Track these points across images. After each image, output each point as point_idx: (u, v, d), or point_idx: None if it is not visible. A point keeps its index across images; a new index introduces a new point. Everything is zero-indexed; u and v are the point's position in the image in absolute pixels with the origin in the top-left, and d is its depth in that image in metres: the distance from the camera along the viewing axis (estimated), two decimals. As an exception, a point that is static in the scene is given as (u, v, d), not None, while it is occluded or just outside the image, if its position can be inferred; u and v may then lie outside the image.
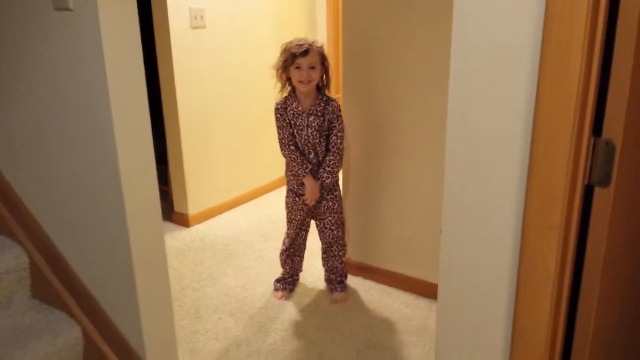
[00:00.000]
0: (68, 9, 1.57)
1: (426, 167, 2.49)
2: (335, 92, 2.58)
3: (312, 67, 2.34)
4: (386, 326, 2.42)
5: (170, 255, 3.06)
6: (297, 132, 2.43)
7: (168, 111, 3.35)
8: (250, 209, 3.83)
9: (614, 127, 1.01)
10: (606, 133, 1.02)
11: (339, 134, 2.43)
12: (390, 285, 2.74)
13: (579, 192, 1.04)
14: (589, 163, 1.04)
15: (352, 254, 2.83)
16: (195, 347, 2.30)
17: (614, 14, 0.96)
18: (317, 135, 2.42)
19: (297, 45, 2.34)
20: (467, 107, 1.11)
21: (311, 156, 2.45)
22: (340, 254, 2.64)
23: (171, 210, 3.58)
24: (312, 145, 2.43)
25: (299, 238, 2.66)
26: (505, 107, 1.05)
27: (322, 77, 2.42)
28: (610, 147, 1.02)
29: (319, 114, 2.40)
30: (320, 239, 2.65)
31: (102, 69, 1.56)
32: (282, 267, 2.73)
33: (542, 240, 1.07)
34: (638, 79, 0.99)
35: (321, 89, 2.44)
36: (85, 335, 1.89)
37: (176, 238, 3.36)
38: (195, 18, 3.27)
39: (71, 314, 1.91)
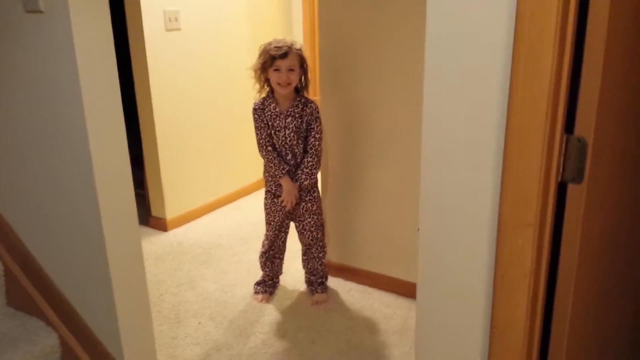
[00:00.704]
0: (39, 11, 1.55)
1: (404, 167, 2.50)
2: (312, 93, 2.58)
3: (291, 70, 2.34)
4: (367, 326, 2.43)
5: (148, 260, 3.04)
6: (275, 134, 2.43)
7: (143, 114, 3.32)
8: (229, 212, 3.82)
9: (586, 124, 1.02)
10: (578, 130, 1.03)
11: (317, 136, 2.43)
12: (371, 285, 2.75)
13: (553, 189, 1.06)
14: (561, 160, 1.05)
15: (333, 255, 2.83)
16: (175, 353, 2.28)
17: (584, 12, 0.97)
18: (295, 136, 2.41)
19: (276, 47, 2.33)
20: (441, 106, 1.11)
21: (289, 157, 2.45)
22: (320, 255, 2.64)
23: (149, 215, 3.55)
24: (289, 147, 2.43)
25: (278, 240, 2.66)
26: (478, 106, 1.06)
27: (300, 79, 2.42)
28: (582, 144, 1.03)
29: (297, 115, 2.40)
30: (300, 240, 2.65)
31: (74, 71, 1.54)
32: (262, 270, 2.72)
33: (517, 238, 1.08)
34: (609, 76, 1.01)
35: (300, 90, 2.44)
36: (63, 342, 1.87)
37: (154, 242, 3.33)
38: (170, 20, 3.25)
39: (48, 321, 1.88)
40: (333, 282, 2.80)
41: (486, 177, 1.09)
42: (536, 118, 1.00)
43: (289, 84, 2.34)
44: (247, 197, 4.06)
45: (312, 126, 2.42)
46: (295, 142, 2.42)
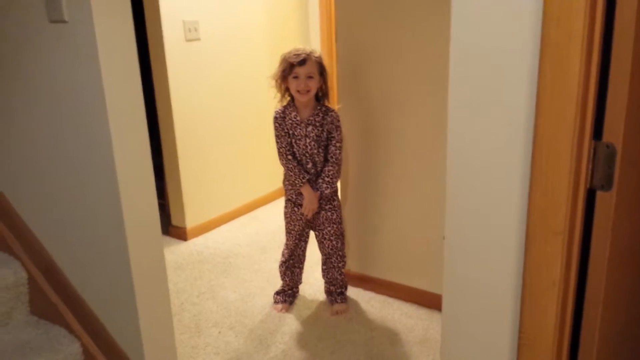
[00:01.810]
0: (63, 21, 1.57)
1: (425, 175, 2.48)
2: (332, 103, 2.58)
3: (310, 77, 2.35)
4: (388, 337, 2.41)
5: (168, 269, 3.04)
6: (295, 142, 2.43)
7: (164, 124, 3.34)
8: (248, 221, 3.82)
9: (614, 130, 1.01)
10: (606, 136, 1.02)
11: (337, 145, 2.43)
12: (391, 296, 2.73)
13: (582, 197, 1.04)
14: (590, 167, 1.03)
15: (352, 265, 2.82)
16: (195, 362, 2.28)
17: (611, 15, 0.96)
18: (316, 145, 2.42)
19: (295, 55, 2.35)
20: (468, 113, 1.10)
21: (309, 166, 2.45)
22: (340, 265, 2.63)
23: (169, 224, 3.57)
24: (310, 156, 2.43)
25: (298, 249, 2.65)
26: (505, 113, 1.05)
27: (320, 87, 2.42)
28: (610, 151, 1.02)
29: (318, 124, 2.40)
30: (320, 250, 2.64)
31: (98, 81, 1.56)
32: (282, 279, 2.72)
33: (546, 246, 1.06)
34: (637, 81, 0.99)
35: (320, 99, 2.45)
36: (85, 350, 1.87)
37: (174, 252, 3.34)
38: (190, 30, 3.28)
39: (70, 330, 1.89)
40: (353, 292, 2.78)
41: (514, 184, 1.07)
42: (564, 124, 0.99)
43: (308, 91, 2.35)
44: (266, 206, 4.07)
45: (333, 135, 2.42)
46: (315, 151, 2.42)
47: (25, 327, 1.92)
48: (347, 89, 2.63)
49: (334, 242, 2.58)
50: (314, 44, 4.22)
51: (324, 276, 2.70)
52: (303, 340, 2.41)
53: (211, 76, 3.49)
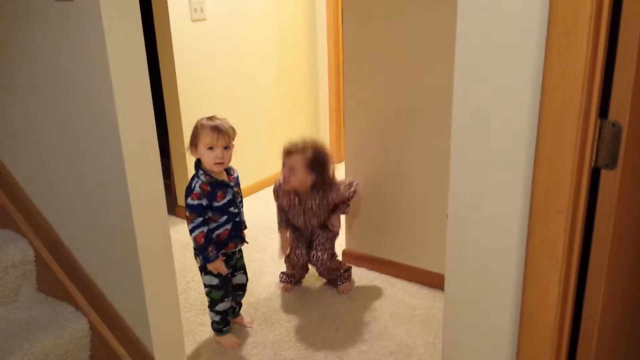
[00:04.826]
0: (69, 0, 1.56)
1: (429, 155, 2.48)
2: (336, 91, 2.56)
3: (291, 169, 2.43)
4: (391, 316, 2.43)
5: (174, 249, 3.04)
6: (292, 218, 2.53)
7: (169, 104, 3.34)
8: (253, 202, 3.83)
9: (620, 108, 1.01)
10: (612, 115, 1.02)
11: (346, 210, 2.59)
12: (394, 275, 2.75)
13: (586, 175, 1.04)
14: (595, 145, 1.03)
15: (356, 245, 2.84)
16: (201, 339, 2.31)
17: (620, -6, 0.95)
18: (315, 217, 2.51)
19: (287, 145, 2.46)
20: (473, 89, 1.10)
21: (308, 234, 2.57)
22: (337, 274, 2.65)
23: (175, 204, 3.58)
24: (309, 226, 2.55)
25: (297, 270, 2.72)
26: (511, 89, 1.05)
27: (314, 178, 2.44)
28: (616, 129, 1.01)
29: (317, 199, 2.48)
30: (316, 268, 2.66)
31: (104, 60, 1.55)
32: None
33: (549, 224, 1.07)
34: (645, 59, 0.99)
35: (317, 187, 2.47)
36: (92, 327, 1.90)
37: (180, 231, 3.35)
38: (195, 10, 3.26)
39: (77, 307, 1.91)
40: (357, 272, 2.80)
41: (518, 162, 1.07)
42: (571, 102, 0.98)
43: (291, 183, 2.48)
44: (270, 188, 4.06)
45: (338, 204, 2.55)
46: (315, 221, 2.53)
47: (32, 304, 1.95)
48: (354, 72, 2.61)
49: (327, 263, 2.57)
50: (320, 22, 4.18)
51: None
52: (307, 318, 2.43)
53: (217, 57, 3.47)
